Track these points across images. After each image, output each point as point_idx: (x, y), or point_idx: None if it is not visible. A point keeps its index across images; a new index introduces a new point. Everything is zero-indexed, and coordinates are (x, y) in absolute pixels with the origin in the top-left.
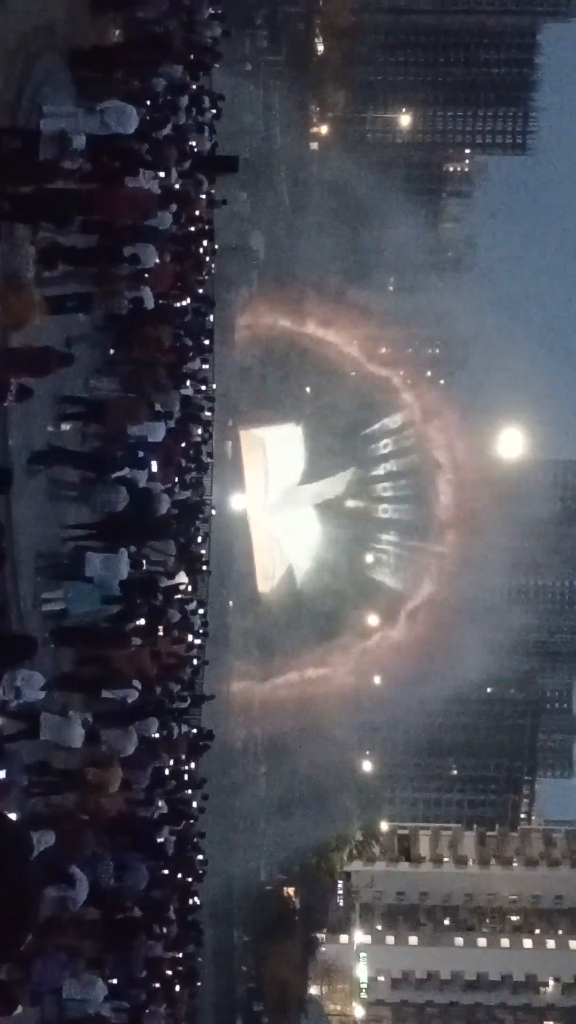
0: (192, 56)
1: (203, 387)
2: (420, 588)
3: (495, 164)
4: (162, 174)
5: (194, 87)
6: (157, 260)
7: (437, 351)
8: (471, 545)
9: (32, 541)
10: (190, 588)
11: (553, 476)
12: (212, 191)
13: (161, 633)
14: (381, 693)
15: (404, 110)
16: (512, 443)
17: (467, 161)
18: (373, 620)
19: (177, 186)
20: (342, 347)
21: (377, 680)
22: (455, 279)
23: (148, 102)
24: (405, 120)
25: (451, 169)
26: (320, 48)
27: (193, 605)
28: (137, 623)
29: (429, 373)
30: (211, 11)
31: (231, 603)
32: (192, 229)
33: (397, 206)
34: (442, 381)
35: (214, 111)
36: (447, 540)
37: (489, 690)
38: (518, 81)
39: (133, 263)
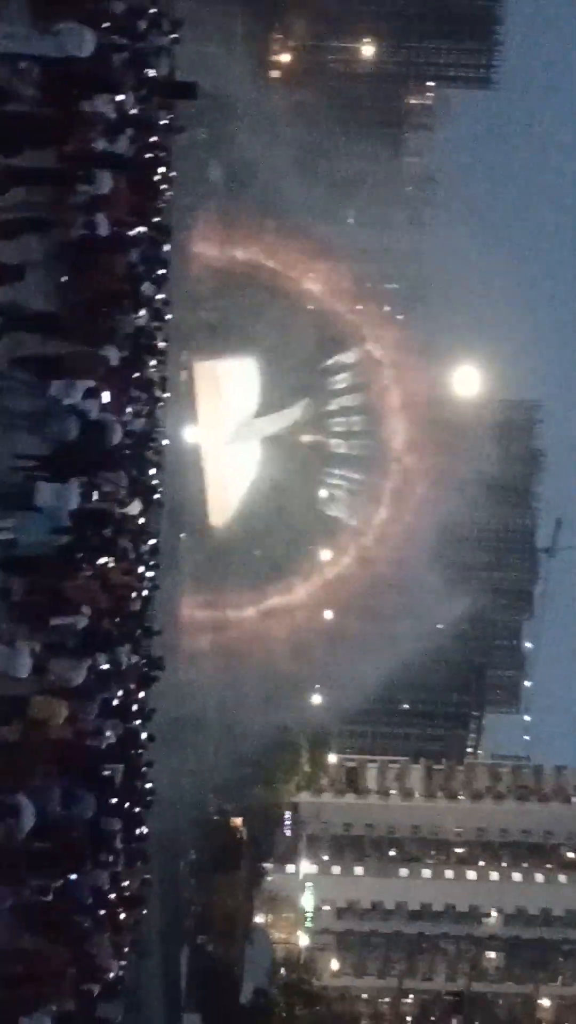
0: None
1: (157, 316)
2: (373, 524)
3: (459, 98)
4: (119, 98)
5: (153, 10)
6: (112, 186)
7: (396, 286)
8: (424, 482)
9: None
10: (142, 520)
11: (508, 415)
12: (171, 117)
13: (112, 564)
14: (332, 628)
15: (367, 40)
16: (468, 381)
17: (430, 94)
18: (325, 555)
19: (134, 111)
20: (300, 280)
21: (329, 615)
22: (416, 214)
23: (105, 24)
24: (368, 50)
25: (414, 102)
26: None
27: (144, 537)
28: (88, 554)
29: (387, 308)
30: None
31: (183, 535)
32: (149, 156)
33: (358, 138)
34: (400, 316)
35: (173, 36)
36: (401, 476)
37: (439, 626)
38: (483, 14)
39: (88, 182)
